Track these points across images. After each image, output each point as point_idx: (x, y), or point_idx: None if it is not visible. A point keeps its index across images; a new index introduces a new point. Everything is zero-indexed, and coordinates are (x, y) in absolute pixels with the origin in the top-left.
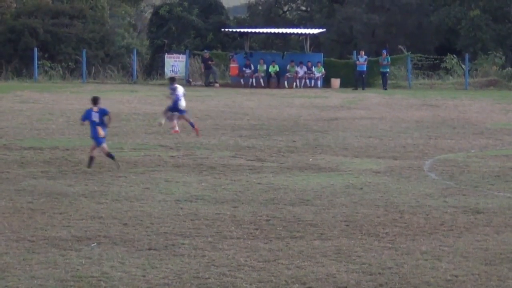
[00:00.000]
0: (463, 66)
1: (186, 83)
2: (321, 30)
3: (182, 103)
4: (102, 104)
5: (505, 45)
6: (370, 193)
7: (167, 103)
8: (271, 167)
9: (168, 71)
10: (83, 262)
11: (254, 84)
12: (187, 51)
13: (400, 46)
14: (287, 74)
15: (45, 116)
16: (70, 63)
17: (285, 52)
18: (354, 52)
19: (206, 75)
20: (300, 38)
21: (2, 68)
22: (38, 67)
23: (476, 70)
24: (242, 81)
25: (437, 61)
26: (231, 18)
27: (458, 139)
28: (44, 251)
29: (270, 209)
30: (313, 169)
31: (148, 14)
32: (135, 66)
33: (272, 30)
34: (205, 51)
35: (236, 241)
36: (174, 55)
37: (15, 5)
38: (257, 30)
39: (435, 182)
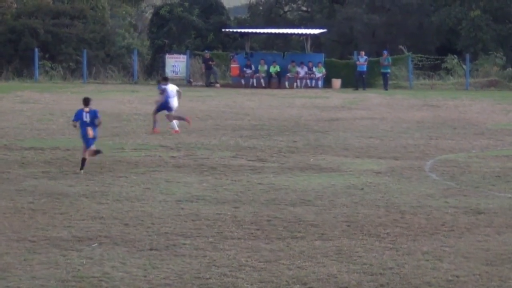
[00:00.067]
0: (464, 66)
1: (187, 83)
2: (321, 30)
3: (174, 103)
4: (103, 105)
5: (506, 45)
6: (371, 194)
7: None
8: (272, 167)
9: (169, 72)
10: (84, 263)
11: (255, 84)
12: (188, 52)
13: (400, 47)
14: (288, 74)
15: (45, 116)
16: (70, 64)
17: (286, 53)
18: (355, 52)
19: (207, 76)
20: (301, 38)
21: (2, 68)
22: (38, 67)
23: (477, 70)
24: (243, 81)
25: (438, 61)
26: (232, 18)
27: (459, 139)
28: (45, 251)
29: (271, 210)
30: (314, 169)
31: (148, 15)
32: (136, 66)
33: (273, 31)
34: (206, 51)
35: (237, 241)
36: (175, 55)
37: (15, 5)
38: (257, 31)
39: (436, 183)
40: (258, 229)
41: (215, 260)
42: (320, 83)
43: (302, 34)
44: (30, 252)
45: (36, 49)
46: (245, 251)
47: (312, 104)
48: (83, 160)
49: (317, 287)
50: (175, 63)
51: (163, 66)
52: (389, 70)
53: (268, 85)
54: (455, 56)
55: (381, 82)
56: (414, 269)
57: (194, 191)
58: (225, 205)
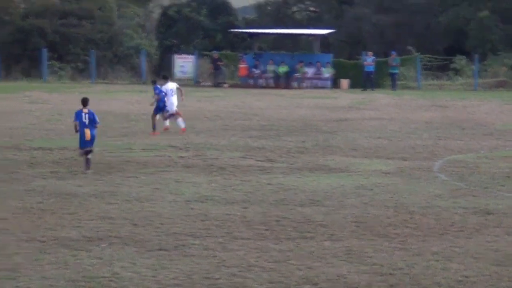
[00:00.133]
0: (472, 67)
1: (195, 83)
2: (330, 30)
3: (174, 100)
4: (112, 105)
5: None
6: (380, 194)
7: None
8: (281, 167)
9: (177, 72)
10: (94, 263)
11: (264, 84)
12: (196, 52)
13: (408, 47)
14: (296, 74)
15: (54, 116)
16: (79, 64)
17: (294, 53)
18: (363, 52)
19: (215, 76)
20: (309, 38)
21: (11, 68)
22: (47, 67)
23: (486, 71)
24: (251, 81)
25: (446, 62)
26: (240, 18)
27: (468, 140)
28: (54, 251)
29: (280, 210)
30: (323, 169)
31: (156, 15)
32: (144, 66)
33: (281, 31)
34: (214, 51)
35: (246, 241)
36: (183, 55)
37: (23, 5)
38: (266, 31)
39: (445, 183)
40: (267, 230)
41: (224, 260)
42: (328, 83)
43: (310, 35)
44: (40, 252)
45: (44, 49)
46: (254, 252)
47: (321, 104)
48: (87, 160)
49: None
50: (184, 64)
51: (172, 67)
52: (397, 71)
53: (277, 86)
54: (464, 56)
55: (389, 82)
56: (424, 270)
57: (203, 191)
58: (234, 205)
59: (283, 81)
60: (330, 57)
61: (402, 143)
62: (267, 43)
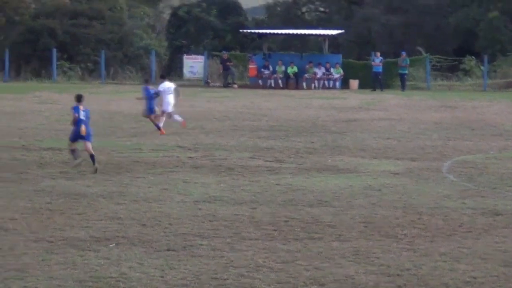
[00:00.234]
0: (481, 67)
1: (205, 84)
2: (339, 31)
3: (171, 100)
4: (121, 105)
5: None
6: (389, 195)
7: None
8: (290, 168)
9: (187, 72)
10: (102, 263)
11: (273, 85)
12: (206, 52)
13: (418, 48)
14: (306, 75)
15: (63, 117)
16: (88, 64)
17: (304, 53)
18: (373, 53)
19: (224, 76)
20: (319, 39)
21: (21, 68)
22: (57, 67)
23: (495, 71)
24: (260, 82)
25: (456, 62)
26: (250, 19)
27: (477, 140)
28: (62, 252)
29: (289, 210)
30: (331, 170)
31: (166, 15)
32: (154, 67)
33: (291, 31)
34: (224, 52)
35: (255, 242)
36: (193, 56)
37: (33, 5)
38: (275, 31)
39: (453, 184)
40: (275, 230)
41: (232, 261)
42: (337, 84)
43: (319, 35)
44: (48, 252)
45: (54, 50)
46: (262, 252)
47: (330, 105)
48: (91, 156)
49: None
50: (193, 64)
51: (181, 67)
52: (406, 71)
53: (286, 86)
54: (473, 57)
55: (399, 83)
56: (432, 270)
57: (212, 192)
58: (243, 205)
59: (292, 82)
60: (339, 58)
61: (411, 144)
62: (277, 43)
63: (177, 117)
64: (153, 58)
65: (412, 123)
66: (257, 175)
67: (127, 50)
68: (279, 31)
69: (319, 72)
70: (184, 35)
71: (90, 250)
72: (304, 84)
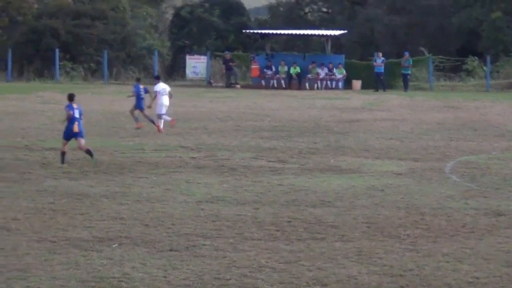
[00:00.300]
0: (484, 68)
1: (207, 84)
2: (342, 31)
3: (164, 101)
4: (124, 106)
5: None
6: (391, 195)
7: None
8: (292, 168)
9: (190, 72)
10: (105, 263)
11: (275, 85)
12: (208, 52)
13: (421, 48)
14: (308, 75)
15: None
16: (91, 64)
17: (306, 54)
18: (375, 53)
19: (227, 76)
20: (321, 39)
21: (23, 68)
22: (59, 68)
23: (498, 72)
24: (263, 82)
25: (459, 63)
26: (252, 19)
27: (480, 141)
28: (65, 252)
29: (291, 211)
30: (334, 170)
31: (169, 15)
32: (156, 67)
33: (293, 32)
34: (226, 52)
35: (257, 242)
36: (196, 56)
37: (36, 6)
38: (278, 32)
39: (456, 184)
40: (278, 230)
41: (235, 261)
42: (340, 84)
43: (322, 35)
44: (51, 253)
45: (57, 50)
46: (265, 252)
47: (333, 105)
48: (88, 151)
49: None
50: (196, 64)
51: (184, 67)
52: (409, 72)
53: (289, 86)
54: (476, 57)
55: (401, 83)
56: (434, 271)
57: (215, 192)
58: (245, 206)
59: (295, 82)
60: (342, 58)
61: (414, 144)
62: (279, 44)
63: (166, 117)
64: (155, 58)
65: (415, 123)
66: (259, 176)
67: (130, 50)
68: (282, 32)
69: (322, 72)
70: (186, 35)
71: (93, 250)
72: (307, 85)
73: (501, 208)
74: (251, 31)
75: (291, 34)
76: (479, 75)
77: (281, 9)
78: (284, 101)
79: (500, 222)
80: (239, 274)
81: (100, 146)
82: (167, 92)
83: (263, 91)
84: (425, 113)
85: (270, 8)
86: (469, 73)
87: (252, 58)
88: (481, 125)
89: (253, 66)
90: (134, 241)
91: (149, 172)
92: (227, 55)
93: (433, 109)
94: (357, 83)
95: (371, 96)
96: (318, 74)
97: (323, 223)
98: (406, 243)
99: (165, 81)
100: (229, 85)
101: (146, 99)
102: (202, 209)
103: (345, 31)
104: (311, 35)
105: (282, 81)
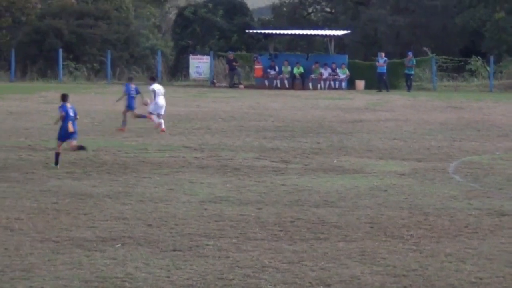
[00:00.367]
0: (488, 68)
1: (211, 84)
2: (345, 31)
3: (161, 101)
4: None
5: None
6: (395, 195)
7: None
8: (296, 168)
9: (193, 72)
10: (108, 263)
11: (279, 85)
12: (212, 52)
13: (424, 48)
14: (312, 75)
15: None
16: (94, 64)
17: (310, 54)
18: (379, 54)
19: (230, 77)
20: (325, 39)
21: (27, 69)
22: (62, 68)
23: (501, 72)
24: (266, 82)
25: (462, 63)
26: (256, 19)
27: (483, 141)
28: (68, 252)
29: (295, 211)
30: (337, 170)
31: (172, 15)
32: (160, 67)
33: (297, 32)
34: (230, 52)
35: (261, 242)
36: (199, 56)
37: (40, 6)
38: (281, 32)
39: (459, 184)
40: (281, 230)
41: (238, 261)
42: (343, 84)
43: (326, 35)
44: (54, 253)
45: (60, 50)
46: (268, 252)
47: (336, 105)
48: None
49: None
50: (199, 64)
51: (187, 67)
52: (412, 72)
53: (292, 86)
54: (479, 58)
55: (405, 83)
56: (438, 271)
57: (218, 192)
58: (249, 206)
59: (298, 82)
60: (345, 58)
61: (417, 144)
62: (283, 44)
63: (155, 118)
64: (159, 58)
65: (418, 123)
66: (263, 176)
67: (133, 50)
68: (285, 32)
69: (325, 72)
70: (190, 35)
71: (96, 250)
72: (310, 85)
73: (505, 208)
74: (255, 31)
75: (295, 34)
76: (483, 75)
77: (285, 9)
78: (287, 101)
79: (504, 222)
80: (242, 274)
81: (103, 146)
82: (163, 92)
83: (266, 91)
84: (428, 113)
85: (274, 8)
86: (473, 73)
87: (255, 58)
88: (484, 125)
89: (256, 66)
90: (137, 241)
91: (152, 172)
92: (230, 55)
93: (436, 109)
94: (360, 83)
95: (374, 96)
96: (321, 74)
97: (326, 223)
98: (409, 243)
99: (168, 81)
100: (232, 85)
101: (137, 99)
102: (205, 209)
103: (349, 31)
104: (315, 35)
105: (286, 81)
